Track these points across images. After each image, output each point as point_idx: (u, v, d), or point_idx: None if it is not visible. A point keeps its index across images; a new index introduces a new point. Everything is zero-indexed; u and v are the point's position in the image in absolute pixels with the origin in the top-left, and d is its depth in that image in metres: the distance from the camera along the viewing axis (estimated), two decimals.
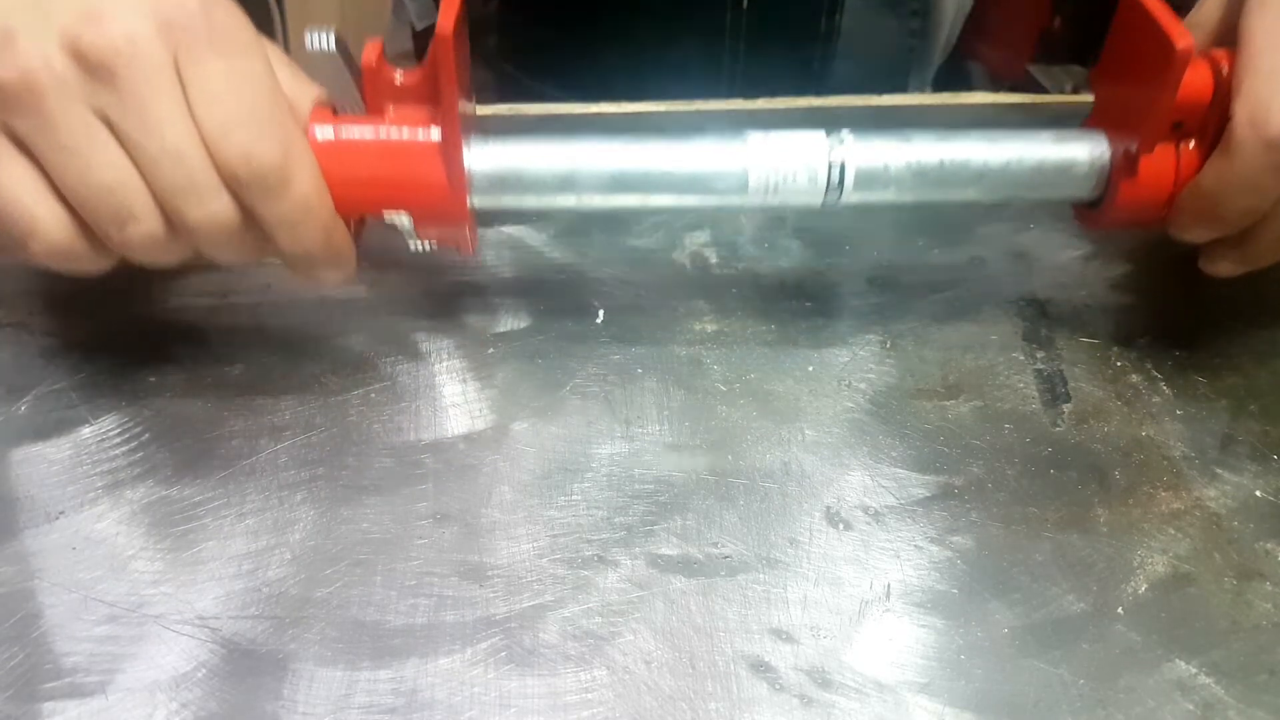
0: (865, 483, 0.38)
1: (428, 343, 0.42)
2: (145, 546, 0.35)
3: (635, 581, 0.35)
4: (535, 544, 0.36)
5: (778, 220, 0.47)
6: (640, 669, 0.33)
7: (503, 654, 0.33)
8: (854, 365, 0.42)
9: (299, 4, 0.68)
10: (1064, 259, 0.46)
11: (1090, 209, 0.39)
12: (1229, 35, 0.35)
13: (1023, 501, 0.37)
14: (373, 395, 0.40)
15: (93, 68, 0.30)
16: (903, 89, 0.65)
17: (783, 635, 0.34)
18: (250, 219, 0.33)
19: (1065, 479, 0.38)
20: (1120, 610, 0.34)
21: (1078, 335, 0.43)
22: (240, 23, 0.32)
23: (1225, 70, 0.35)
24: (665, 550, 0.36)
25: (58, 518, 0.36)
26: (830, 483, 0.38)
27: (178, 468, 0.37)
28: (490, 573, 0.35)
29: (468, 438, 0.39)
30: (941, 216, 0.48)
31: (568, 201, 0.37)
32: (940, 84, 0.67)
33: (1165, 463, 0.38)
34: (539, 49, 0.66)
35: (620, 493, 0.37)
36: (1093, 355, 0.42)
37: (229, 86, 0.31)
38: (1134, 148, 0.36)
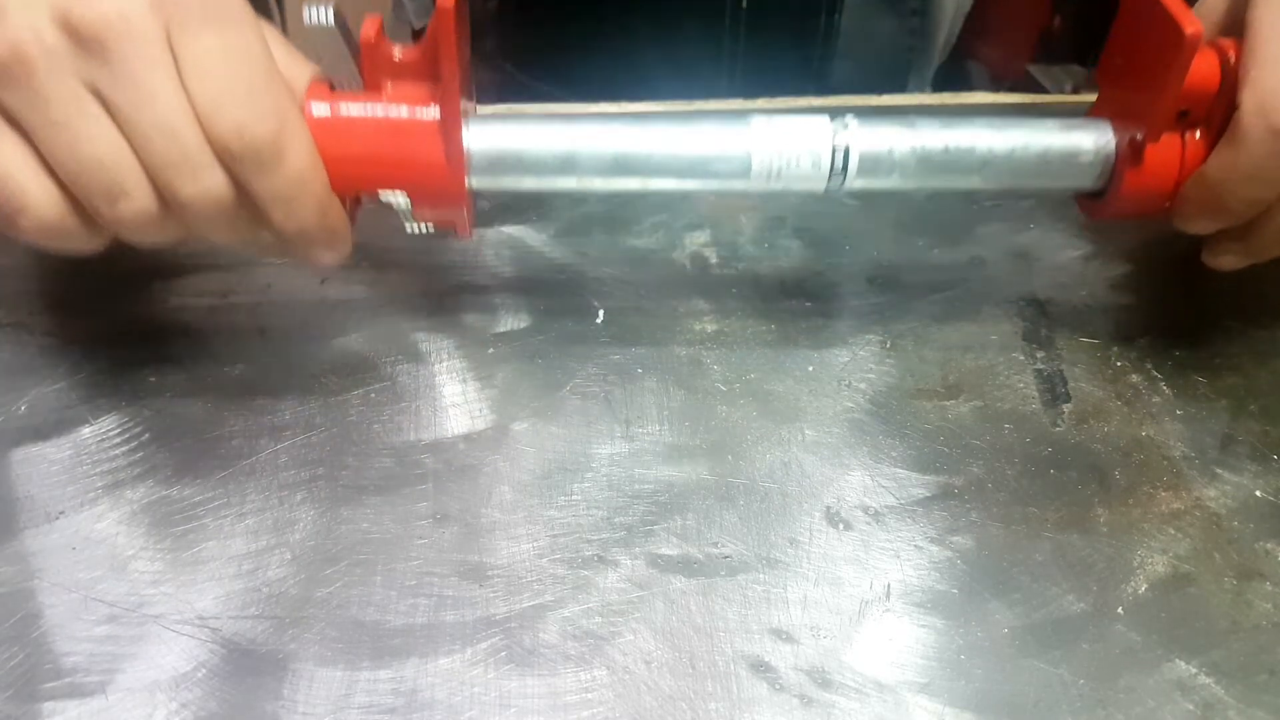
0: (865, 483, 0.38)
1: (428, 343, 0.42)
2: (145, 546, 0.35)
3: (635, 581, 0.35)
4: (535, 544, 0.36)
5: (778, 220, 0.47)
6: (640, 669, 0.33)
7: (503, 654, 0.33)
8: (854, 365, 0.42)
9: None
10: (1064, 259, 0.46)
11: (1094, 199, 0.39)
12: (1234, 26, 0.35)
13: (1023, 501, 0.37)
14: (373, 395, 0.40)
15: (84, 41, 0.29)
16: (902, 89, 0.65)
17: (783, 635, 0.34)
18: (244, 195, 0.32)
19: (1065, 479, 0.38)
20: (1120, 610, 0.34)
21: (1078, 335, 0.43)
22: None
23: (1232, 59, 0.35)
24: (665, 550, 0.36)
25: (58, 518, 0.36)
26: (830, 483, 0.38)
27: (178, 468, 0.37)
28: (490, 573, 0.35)
29: (468, 438, 0.39)
30: (941, 216, 0.48)
31: (567, 184, 0.36)
32: (940, 84, 0.67)
33: (1165, 463, 0.38)
34: (539, 49, 0.66)
35: (620, 493, 0.37)
36: (1093, 355, 0.42)
37: (222, 59, 0.30)
38: (1139, 136, 0.36)
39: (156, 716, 0.31)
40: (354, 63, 0.34)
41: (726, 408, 0.40)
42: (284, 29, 0.34)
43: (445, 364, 0.41)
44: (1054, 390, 0.41)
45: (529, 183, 0.36)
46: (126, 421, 0.38)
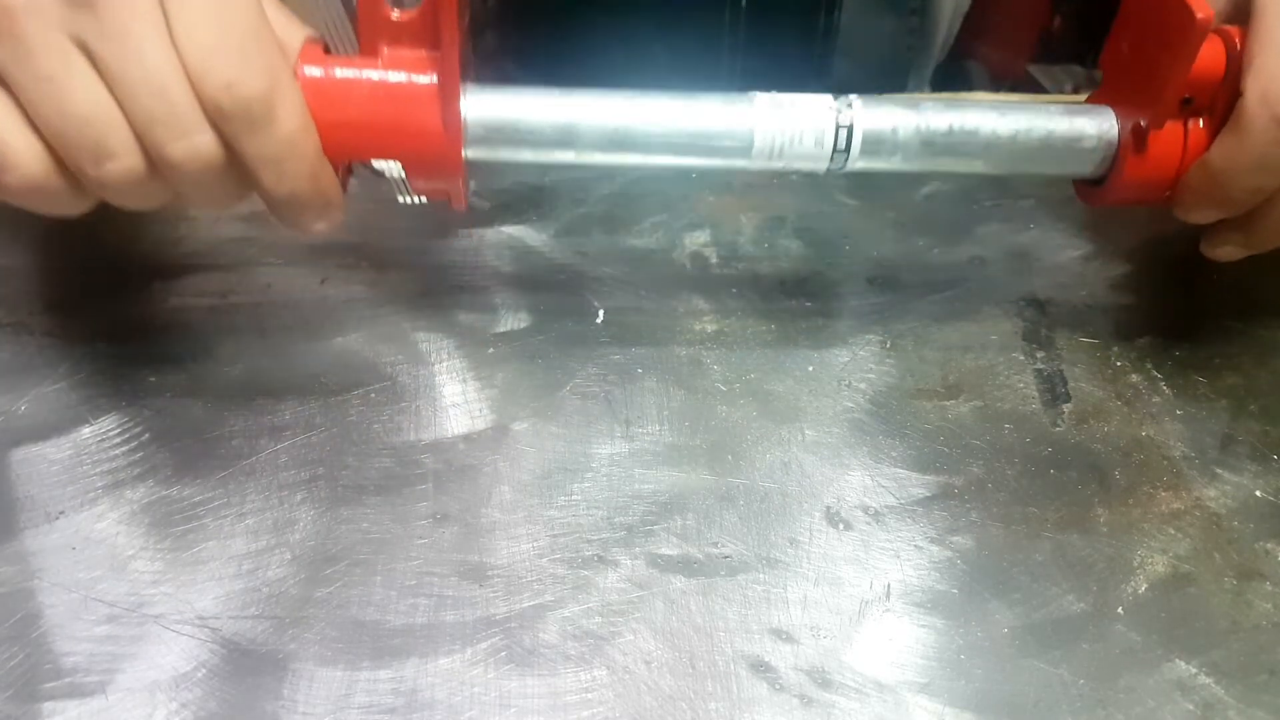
0: (865, 483, 0.38)
1: (428, 343, 0.42)
2: (145, 546, 0.35)
3: (635, 581, 0.35)
4: (535, 544, 0.36)
5: (778, 220, 0.47)
6: (640, 669, 0.33)
7: (503, 654, 0.33)
8: (854, 365, 0.41)
9: None
10: (1064, 259, 0.46)
11: (1094, 186, 0.39)
12: (1239, 13, 0.35)
13: (1023, 501, 0.37)
14: (373, 395, 0.40)
15: None
16: (901, 88, 0.65)
17: (783, 635, 0.34)
18: (233, 157, 0.31)
19: (1065, 479, 0.38)
20: (1120, 610, 0.34)
21: (1078, 335, 0.43)
22: None
23: (1237, 46, 0.35)
24: (665, 550, 0.36)
25: (58, 518, 0.36)
26: (830, 483, 0.38)
27: (178, 468, 0.37)
28: (490, 573, 0.35)
29: (468, 438, 0.39)
30: (941, 216, 0.48)
31: (565, 157, 0.36)
32: (939, 84, 0.67)
33: (1165, 463, 0.38)
34: (539, 49, 0.66)
35: (620, 493, 0.37)
36: (1093, 355, 0.42)
37: (213, 16, 0.30)
38: (1143, 123, 0.36)
39: (156, 716, 0.31)
40: (349, 24, 0.33)
41: (726, 408, 0.40)
42: None
43: (445, 364, 0.41)
44: (1054, 390, 0.41)
45: (526, 155, 0.36)
46: (126, 421, 0.38)
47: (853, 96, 0.36)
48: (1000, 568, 0.35)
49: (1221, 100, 0.35)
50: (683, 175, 0.49)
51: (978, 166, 0.37)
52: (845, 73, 0.62)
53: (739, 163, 0.36)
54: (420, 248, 0.45)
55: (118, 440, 0.38)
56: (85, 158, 0.30)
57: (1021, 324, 0.43)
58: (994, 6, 0.67)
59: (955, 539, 0.36)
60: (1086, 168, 0.38)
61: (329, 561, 0.35)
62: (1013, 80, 0.69)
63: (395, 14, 0.33)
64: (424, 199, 0.36)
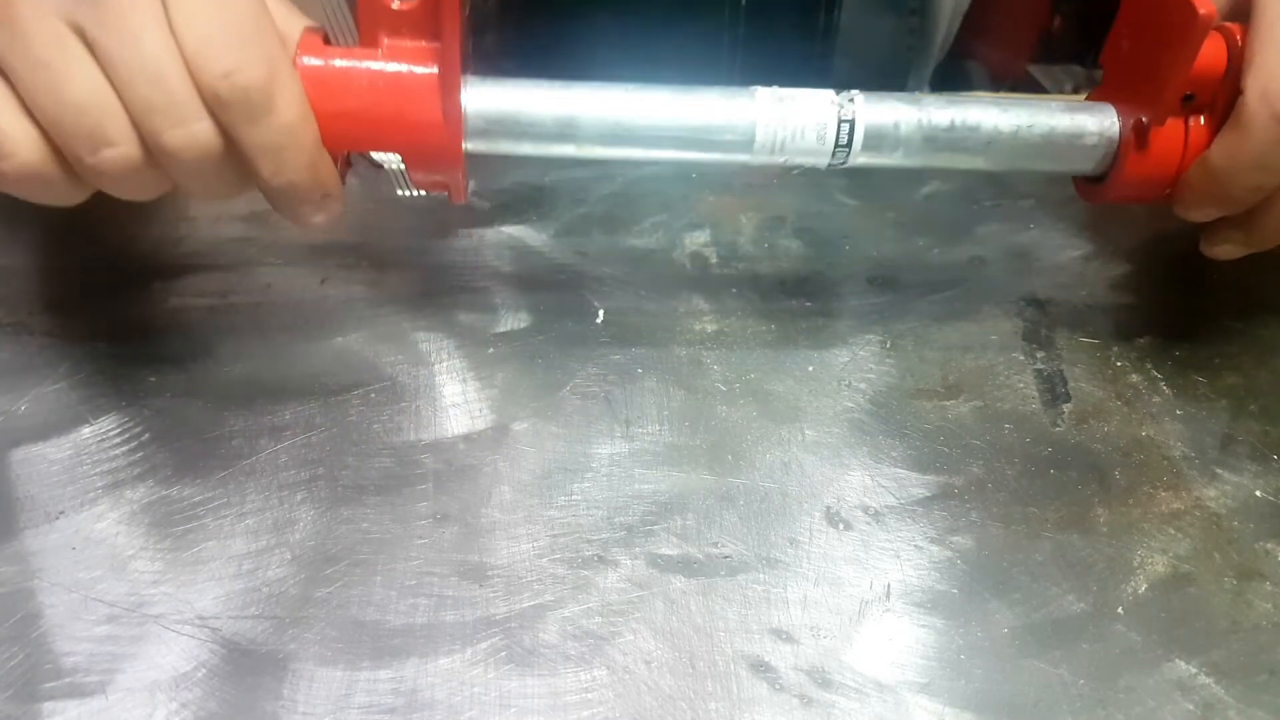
0: (865, 483, 0.38)
1: (428, 343, 0.42)
2: (145, 546, 0.35)
3: (635, 581, 0.35)
4: (535, 544, 0.36)
5: (778, 220, 0.47)
6: (640, 669, 0.33)
7: (503, 654, 0.33)
8: (854, 365, 0.42)
9: None
10: (1064, 259, 0.46)
11: (1094, 183, 0.39)
12: (1240, 11, 0.35)
13: (1023, 501, 0.37)
14: (373, 395, 0.40)
15: None
16: (901, 88, 0.65)
17: (783, 635, 0.34)
18: (231, 146, 0.31)
19: (1065, 479, 0.38)
20: (1120, 610, 0.34)
21: (1078, 335, 0.43)
22: None
23: (1238, 43, 0.35)
24: (665, 550, 0.36)
25: (58, 518, 0.36)
26: (830, 483, 0.38)
27: (178, 468, 0.37)
28: (490, 573, 0.35)
29: (468, 438, 0.39)
30: (941, 216, 0.48)
31: (566, 150, 0.35)
32: (939, 83, 0.67)
33: (1165, 463, 0.38)
34: (539, 49, 0.66)
35: (620, 493, 0.37)
36: (1093, 355, 0.42)
37: (212, 3, 0.29)
38: (1144, 120, 0.36)
39: (156, 716, 0.31)
40: (349, 13, 0.33)
41: (726, 408, 0.40)
42: None
43: (445, 364, 0.41)
44: (1054, 390, 0.41)
45: (527, 147, 0.35)
46: (126, 421, 0.38)
47: (855, 91, 0.36)
48: (1000, 568, 0.35)
49: (1222, 98, 0.35)
50: (683, 175, 0.49)
51: (979, 163, 0.37)
52: (845, 72, 0.62)
53: (740, 157, 0.36)
54: (420, 248, 0.45)
55: (118, 440, 0.38)
56: (82, 145, 0.30)
57: (1021, 324, 0.43)
58: (994, 6, 0.67)
59: (955, 539, 0.36)
60: (1088, 164, 0.38)
61: (329, 561, 0.35)
62: (1012, 80, 0.69)
63: (396, 4, 0.32)
64: (423, 192, 0.36)
